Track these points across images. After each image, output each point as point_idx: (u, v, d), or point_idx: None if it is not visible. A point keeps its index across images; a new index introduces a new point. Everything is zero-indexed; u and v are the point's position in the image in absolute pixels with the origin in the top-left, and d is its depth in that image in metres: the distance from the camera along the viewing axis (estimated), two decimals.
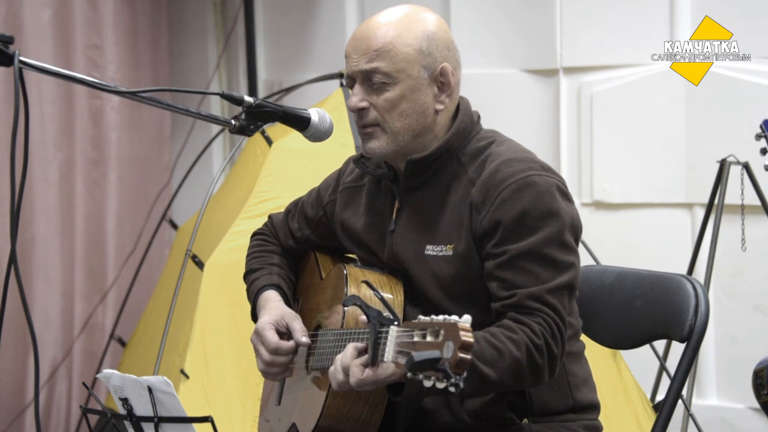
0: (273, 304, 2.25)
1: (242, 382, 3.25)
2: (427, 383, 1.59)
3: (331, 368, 1.90)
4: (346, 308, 2.04)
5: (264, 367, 2.18)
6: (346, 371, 1.85)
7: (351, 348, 1.86)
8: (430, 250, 2.07)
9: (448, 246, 2.05)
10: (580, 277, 2.05)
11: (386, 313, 1.76)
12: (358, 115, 2.07)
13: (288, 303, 2.29)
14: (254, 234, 2.47)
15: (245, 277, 2.39)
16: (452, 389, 1.56)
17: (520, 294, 1.95)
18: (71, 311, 4.53)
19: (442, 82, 2.07)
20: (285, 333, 2.19)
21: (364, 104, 2.06)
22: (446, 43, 2.07)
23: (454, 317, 1.61)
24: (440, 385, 1.57)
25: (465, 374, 1.57)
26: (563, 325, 1.96)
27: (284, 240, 2.40)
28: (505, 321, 1.95)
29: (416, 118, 2.06)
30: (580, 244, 3.64)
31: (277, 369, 2.17)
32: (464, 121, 2.11)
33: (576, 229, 2.03)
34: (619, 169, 4.19)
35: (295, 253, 2.41)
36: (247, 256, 2.42)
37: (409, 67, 2.03)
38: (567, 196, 2.04)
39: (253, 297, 2.32)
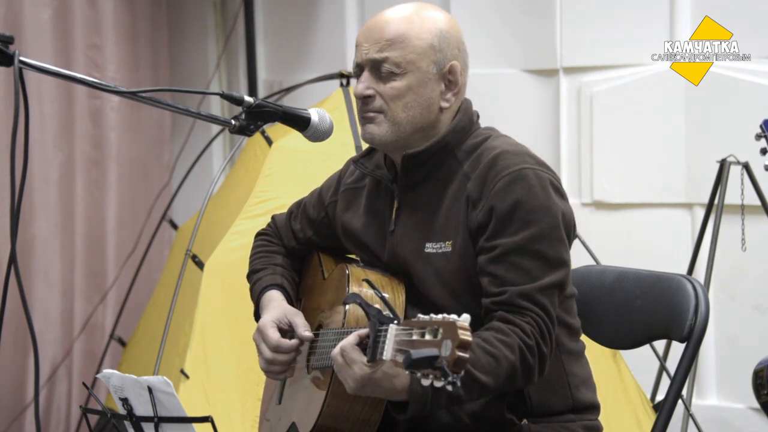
0: (275, 303, 2.25)
1: (242, 382, 3.25)
2: (425, 382, 1.59)
3: (334, 350, 1.89)
4: (347, 307, 2.04)
5: (266, 365, 2.18)
6: (344, 355, 1.85)
7: (354, 335, 1.86)
8: (430, 247, 2.07)
9: (447, 242, 2.05)
10: (570, 275, 2.05)
11: (386, 312, 1.76)
12: (363, 101, 2.08)
13: (290, 302, 2.29)
14: (258, 234, 2.47)
15: (249, 277, 2.39)
16: (449, 388, 1.57)
17: (510, 291, 1.95)
18: (71, 311, 4.53)
19: (450, 80, 2.08)
20: (287, 330, 2.19)
21: (370, 92, 2.06)
22: (457, 43, 2.09)
23: (453, 316, 1.61)
24: (438, 384, 1.58)
25: (462, 372, 1.57)
26: (552, 325, 1.97)
27: (287, 240, 2.40)
28: (495, 323, 1.95)
29: (420, 111, 2.06)
30: (581, 245, 3.64)
31: (279, 367, 2.17)
32: (463, 119, 2.11)
33: (568, 225, 2.04)
34: (619, 169, 4.19)
35: (298, 253, 2.41)
36: (251, 256, 2.43)
37: (418, 60, 2.04)
38: (560, 192, 2.04)
39: (256, 297, 2.32)
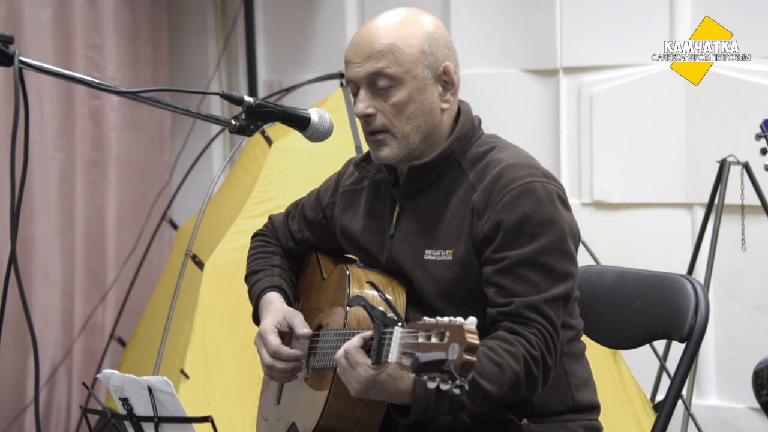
0: (275, 305, 2.25)
1: (242, 382, 3.25)
2: (431, 384, 1.58)
3: (338, 353, 1.88)
4: (349, 308, 2.04)
5: (267, 370, 2.18)
6: (348, 358, 1.85)
7: (358, 337, 1.85)
8: (430, 254, 2.07)
9: (447, 251, 2.05)
10: (576, 286, 2.04)
11: (390, 314, 1.75)
12: (365, 121, 2.06)
13: (290, 304, 2.29)
14: (255, 235, 2.46)
15: (247, 278, 2.39)
16: (456, 391, 1.56)
17: (517, 302, 1.95)
18: (71, 311, 4.53)
19: (446, 81, 2.07)
20: (288, 333, 2.19)
21: (371, 110, 2.04)
22: (445, 43, 2.08)
23: (460, 319, 1.60)
24: (444, 387, 1.57)
25: (470, 376, 1.57)
26: (557, 336, 1.97)
27: (284, 241, 2.40)
28: (500, 333, 1.95)
29: (425, 119, 2.05)
30: (581, 245, 3.64)
31: (279, 374, 2.16)
32: (465, 126, 2.10)
33: (575, 238, 2.04)
34: (619, 169, 4.19)
35: (296, 253, 2.41)
36: (248, 257, 2.42)
37: (413, 68, 2.02)
38: (566, 205, 2.04)
39: (255, 299, 2.32)
